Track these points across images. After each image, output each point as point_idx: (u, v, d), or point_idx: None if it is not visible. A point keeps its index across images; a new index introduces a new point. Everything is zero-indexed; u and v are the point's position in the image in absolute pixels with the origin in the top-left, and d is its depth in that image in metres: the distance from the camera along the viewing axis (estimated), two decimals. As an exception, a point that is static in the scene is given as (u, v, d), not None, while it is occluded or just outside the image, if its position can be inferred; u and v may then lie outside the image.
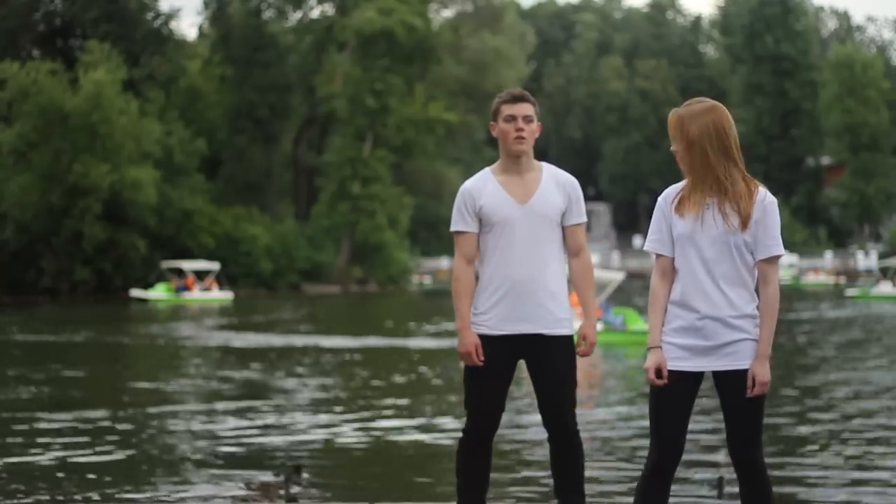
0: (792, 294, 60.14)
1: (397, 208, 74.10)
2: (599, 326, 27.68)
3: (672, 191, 5.51)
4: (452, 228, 6.41)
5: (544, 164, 6.47)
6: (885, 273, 59.23)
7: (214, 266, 58.15)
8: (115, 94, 59.45)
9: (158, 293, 56.84)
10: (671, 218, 5.45)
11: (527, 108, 6.37)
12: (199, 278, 58.61)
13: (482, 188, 6.38)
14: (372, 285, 73.40)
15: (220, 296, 57.34)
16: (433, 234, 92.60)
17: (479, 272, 6.43)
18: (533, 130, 6.38)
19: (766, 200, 5.43)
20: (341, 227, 72.78)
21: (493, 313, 6.33)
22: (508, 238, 6.31)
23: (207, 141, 69.00)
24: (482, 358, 6.29)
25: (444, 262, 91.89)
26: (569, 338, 6.37)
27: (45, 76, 59.43)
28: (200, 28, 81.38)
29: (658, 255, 5.50)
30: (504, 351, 6.32)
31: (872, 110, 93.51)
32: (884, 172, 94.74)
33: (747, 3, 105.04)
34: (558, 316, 6.34)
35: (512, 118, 6.35)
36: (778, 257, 5.43)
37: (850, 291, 59.57)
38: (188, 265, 57.92)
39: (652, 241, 5.51)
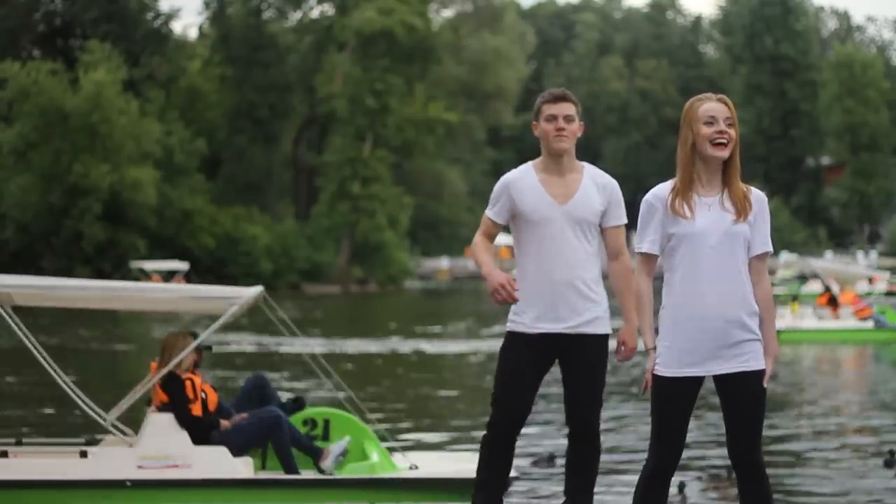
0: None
1: (397, 208, 74.04)
2: (870, 325, 29.81)
3: (662, 190, 5.47)
4: (487, 211, 6.50)
5: (586, 166, 6.50)
6: (816, 273, 60.19)
7: (183, 266, 57.28)
8: (115, 95, 59.42)
9: None
10: (667, 218, 5.42)
11: (568, 108, 6.40)
12: (167, 279, 57.67)
13: (523, 184, 6.42)
14: (372, 285, 73.36)
15: None
16: (433, 234, 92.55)
17: (517, 268, 6.47)
18: (574, 130, 6.41)
19: (760, 198, 5.46)
20: (341, 227, 72.71)
21: (529, 312, 6.35)
22: (546, 237, 6.34)
23: (207, 141, 68.96)
24: (516, 289, 6.17)
25: (443, 262, 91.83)
26: (604, 337, 6.39)
27: (46, 76, 59.42)
28: (200, 28, 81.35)
29: (649, 256, 5.48)
30: (539, 350, 6.34)
31: (872, 110, 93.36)
32: (884, 172, 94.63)
33: (747, 3, 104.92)
34: (595, 314, 6.36)
35: (553, 118, 6.39)
36: (770, 253, 5.47)
37: (778, 290, 59.89)
38: (151, 265, 56.89)
39: (648, 242, 5.45)
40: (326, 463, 9.06)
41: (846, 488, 10.24)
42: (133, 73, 63.80)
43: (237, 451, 8.96)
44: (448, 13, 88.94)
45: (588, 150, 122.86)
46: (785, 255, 73.42)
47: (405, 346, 28.56)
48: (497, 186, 6.49)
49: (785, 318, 30.01)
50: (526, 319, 6.35)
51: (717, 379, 5.41)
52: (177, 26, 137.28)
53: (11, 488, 8.73)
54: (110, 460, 8.87)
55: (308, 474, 9.05)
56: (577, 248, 6.33)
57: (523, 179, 6.43)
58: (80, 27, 67.61)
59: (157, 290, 10.12)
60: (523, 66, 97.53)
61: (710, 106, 5.38)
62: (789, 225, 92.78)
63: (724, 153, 5.37)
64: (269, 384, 9.53)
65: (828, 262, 58.54)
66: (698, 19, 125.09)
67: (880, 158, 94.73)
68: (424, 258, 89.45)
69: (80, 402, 9.14)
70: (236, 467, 8.88)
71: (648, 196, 5.47)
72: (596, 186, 6.39)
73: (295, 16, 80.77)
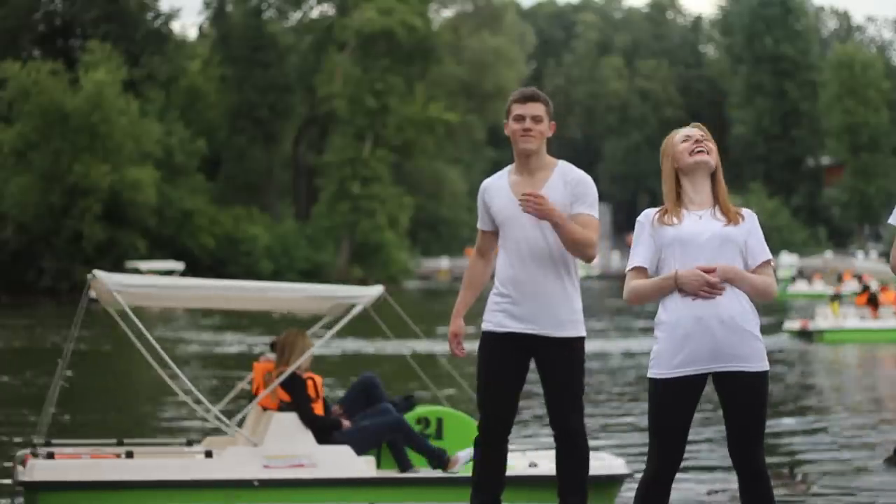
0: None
1: (397, 208, 74.10)
2: None
3: (652, 211, 5.53)
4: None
5: (559, 163, 6.48)
6: (802, 273, 60.81)
7: (179, 266, 57.24)
8: (115, 95, 59.41)
9: None
10: (656, 231, 5.42)
11: (536, 108, 6.40)
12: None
13: (494, 187, 6.49)
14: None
15: None
16: (433, 234, 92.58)
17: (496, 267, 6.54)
18: (542, 130, 6.41)
19: (750, 213, 5.52)
20: (341, 227, 72.76)
21: (498, 311, 6.36)
22: (511, 237, 6.37)
23: (207, 141, 68.98)
24: (462, 348, 6.47)
25: (443, 262, 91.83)
26: (574, 340, 6.35)
27: (46, 76, 59.40)
28: (200, 28, 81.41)
29: (639, 270, 5.45)
30: (509, 349, 6.33)
31: (872, 110, 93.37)
32: (884, 172, 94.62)
33: (747, 3, 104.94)
34: (562, 318, 6.32)
35: (521, 118, 6.40)
36: (771, 261, 5.48)
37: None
38: (147, 265, 56.85)
39: (640, 257, 5.45)
40: (456, 468, 9.08)
41: (849, 487, 10.24)
42: (133, 73, 63.80)
43: (357, 451, 9.05)
44: (448, 13, 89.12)
45: (588, 150, 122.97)
46: (785, 256, 73.51)
47: (438, 346, 28.26)
48: (479, 194, 6.57)
49: (827, 319, 29.98)
50: (495, 318, 6.38)
51: (717, 378, 5.40)
52: (177, 26, 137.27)
53: (141, 488, 8.85)
54: (236, 460, 8.97)
55: (425, 472, 9.11)
56: (543, 247, 6.31)
57: (496, 182, 6.49)
58: (80, 27, 67.63)
59: (278, 290, 9.94)
60: (523, 66, 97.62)
61: (684, 130, 5.57)
62: (789, 225, 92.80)
63: (708, 158, 5.45)
64: (379, 385, 9.50)
65: (871, 262, 58.79)
66: (698, 19, 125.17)
67: (880, 158, 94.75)
68: (424, 258, 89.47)
69: (206, 405, 9.26)
70: (360, 466, 8.98)
71: (640, 216, 5.53)
72: (563, 182, 6.37)
73: (295, 16, 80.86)
